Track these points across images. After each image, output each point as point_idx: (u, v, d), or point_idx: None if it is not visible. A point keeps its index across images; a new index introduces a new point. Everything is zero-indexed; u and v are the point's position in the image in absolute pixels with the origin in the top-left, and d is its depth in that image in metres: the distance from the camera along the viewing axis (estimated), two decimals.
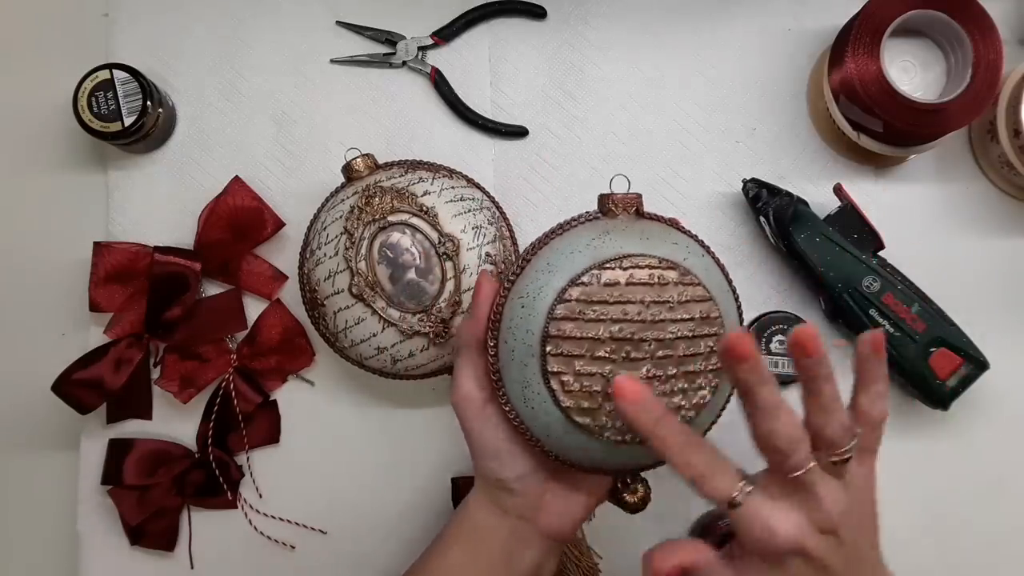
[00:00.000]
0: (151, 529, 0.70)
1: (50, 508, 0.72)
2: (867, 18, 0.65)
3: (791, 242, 0.68)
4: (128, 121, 0.67)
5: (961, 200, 0.74)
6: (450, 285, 0.62)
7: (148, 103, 0.67)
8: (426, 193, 0.63)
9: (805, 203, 0.69)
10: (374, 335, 0.63)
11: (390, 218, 0.62)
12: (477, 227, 0.63)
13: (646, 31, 0.74)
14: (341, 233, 0.62)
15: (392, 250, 0.62)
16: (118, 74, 0.68)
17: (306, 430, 0.72)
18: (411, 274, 0.62)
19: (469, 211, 0.63)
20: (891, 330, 0.67)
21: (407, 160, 0.68)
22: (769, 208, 0.68)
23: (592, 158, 0.73)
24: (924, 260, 0.72)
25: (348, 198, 0.64)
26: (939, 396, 0.67)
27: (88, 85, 0.67)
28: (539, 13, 0.73)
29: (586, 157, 0.73)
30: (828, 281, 0.67)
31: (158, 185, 0.72)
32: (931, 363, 0.67)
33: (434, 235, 0.62)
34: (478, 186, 0.68)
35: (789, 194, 0.69)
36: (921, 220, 0.73)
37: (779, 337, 0.71)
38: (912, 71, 0.70)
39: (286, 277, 0.72)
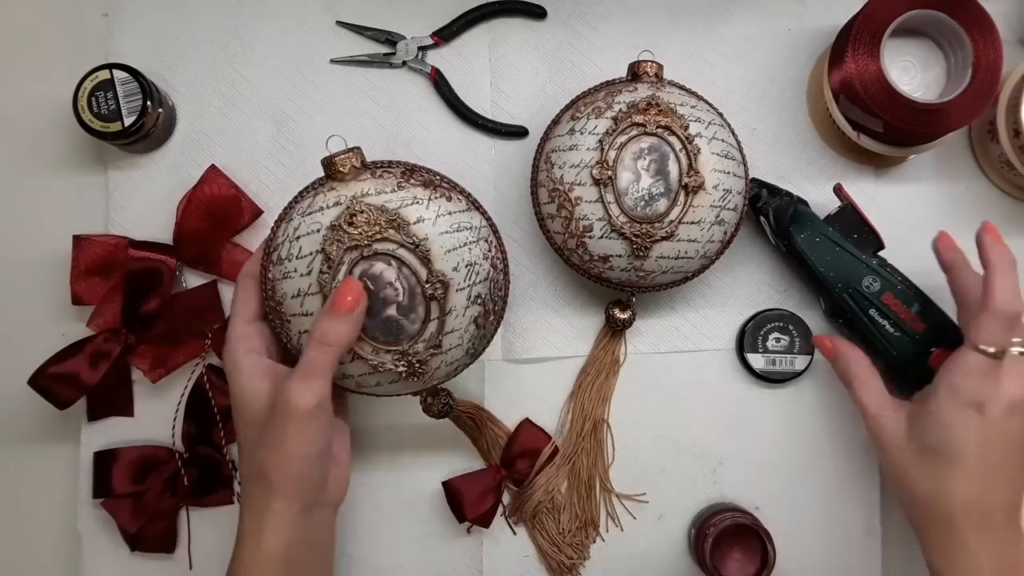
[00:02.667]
0: (149, 534, 0.70)
1: (51, 510, 0.72)
2: (867, 18, 0.65)
3: (791, 242, 0.68)
4: (128, 121, 0.67)
5: (961, 200, 0.74)
6: (432, 327, 0.57)
7: (148, 103, 0.67)
8: (420, 220, 0.56)
9: (805, 203, 0.69)
10: (340, 363, 0.57)
11: (376, 246, 0.55)
12: (471, 264, 0.57)
13: (646, 31, 0.74)
14: (318, 252, 0.56)
15: (374, 282, 0.56)
16: (118, 74, 0.68)
17: None
18: (391, 310, 0.56)
19: (465, 245, 0.57)
20: (891, 330, 0.67)
21: (400, 163, 0.61)
22: (769, 208, 0.68)
23: None
24: (924, 260, 0.71)
25: (329, 208, 0.56)
26: None
27: (88, 85, 0.67)
28: (539, 13, 0.73)
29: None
30: (828, 281, 0.67)
31: (158, 185, 0.72)
32: (931, 363, 0.67)
33: (423, 272, 0.56)
34: (476, 206, 0.61)
35: (789, 194, 0.69)
36: (921, 220, 0.73)
37: (775, 335, 0.71)
38: (912, 71, 0.70)
39: None
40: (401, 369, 0.57)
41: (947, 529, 0.58)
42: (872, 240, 0.68)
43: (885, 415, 0.62)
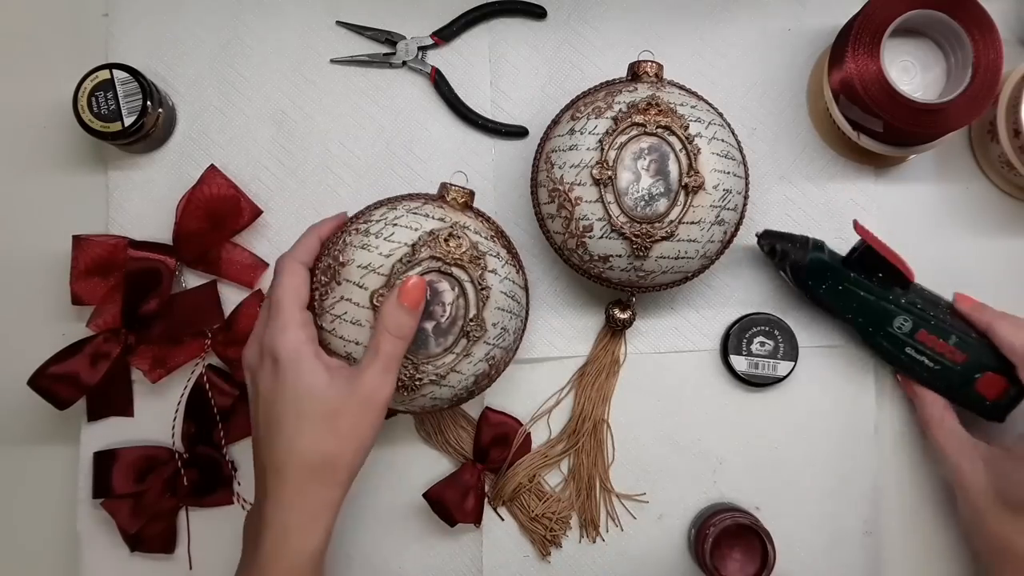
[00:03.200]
0: (149, 534, 0.70)
1: (51, 510, 0.72)
2: (867, 18, 0.65)
3: (813, 295, 0.67)
4: (128, 121, 0.67)
5: (961, 200, 0.74)
6: (449, 359, 0.60)
7: (148, 103, 0.67)
8: (493, 271, 0.61)
9: (820, 246, 0.67)
10: (356, 343, 0.59)
11: (454, 269, 0.59)
12: (504, 329, 0.61)
13: (646, 31, 0.74)
14: (407, 244, 0.59)
15: (431, 293, 0.59)
16: (118, 74, 0.68)
17: None
18: (428, 325, 0.59)
19: (510, 312, 0.62)
20: (930, 364, 0.66)
21: (495, 221, 0.66)
22: (785, 264, 0.67)
23: None
24: (924, 260, 0.71)
25: (434, 218, 0.61)
26: (993, 413, 0.66)
27: (88, 85, 0.67)
28: (539, 13, 0.73)
29: None
30: (858, 327, 0.67)
31: (158, 185, 0.72)
32: (978, 388, 0.66)
33: (473, 311, 0.60)
34: (527, 290, 0.66)
35: (804, 240, 0.67)
36: (921, 220, 0.73)
37: (760, 339, 0.71)
38: (912, 71, 0.70)
39: (266, 265, 0.72)
40: (402, 378, 0.59)
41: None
42: (898, 275, 0.65)
43: (964, 459, 0.64)
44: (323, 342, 0.61)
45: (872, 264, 0.65)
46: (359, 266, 0.59)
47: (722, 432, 0.73)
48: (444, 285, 0.59)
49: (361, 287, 0.59)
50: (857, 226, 0.65)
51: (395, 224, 0.60)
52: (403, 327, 0.56)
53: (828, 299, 0.66)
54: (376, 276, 0.59)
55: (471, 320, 0.60)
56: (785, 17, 0.74)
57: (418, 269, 0.59)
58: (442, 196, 0.64)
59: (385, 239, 0.60)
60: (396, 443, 0.72)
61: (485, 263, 0.60)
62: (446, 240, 0.59)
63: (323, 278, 0.61)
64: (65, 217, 0.72)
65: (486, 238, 0.62)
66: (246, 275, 0.71)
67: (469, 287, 0.60)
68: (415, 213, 0.61)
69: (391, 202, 0.64)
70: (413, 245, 0.59)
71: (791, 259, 0.67)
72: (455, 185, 0.64)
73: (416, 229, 0.60)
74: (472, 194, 0.64)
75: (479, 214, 0.65)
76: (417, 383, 0.60)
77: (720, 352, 0.72)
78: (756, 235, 0.70)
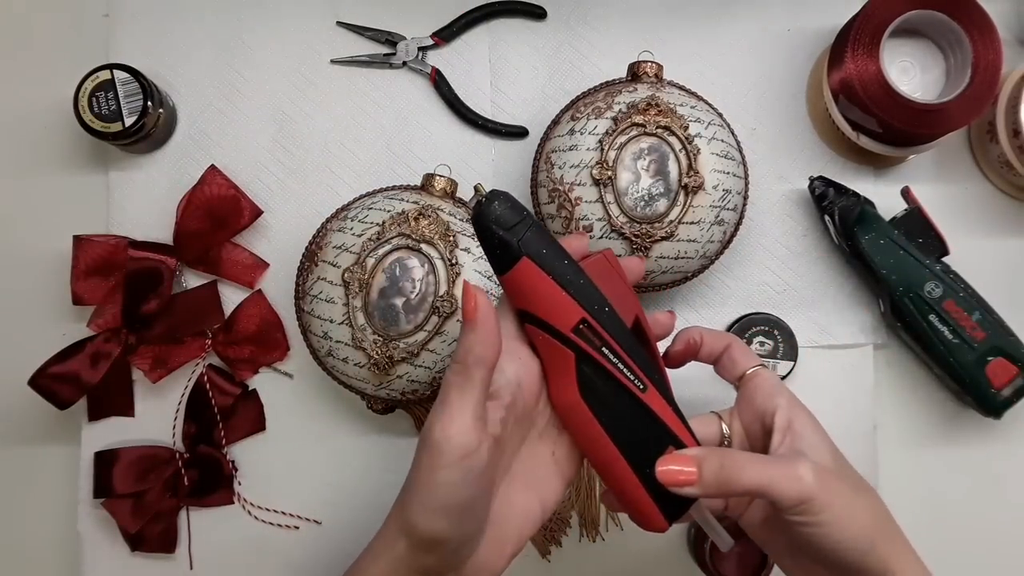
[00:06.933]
0: (149, 534, 0.70)
1: (51, 510, 0.72)
2: (867, 18, 0.65)
3: (855, 242, 0.68)
4: (129, 121, 0.67)
5: (961, 200, 0.74)
6: (420, 336, 0.61)
7: (149, 103, 0.67)
8: (466, 249, 0.61)
9: (871, 204, 0.69)
10: (331, 320, 0.61)
11: (423, 245, 0.61)
12: None
13: (646, 31, 0.74)
14: (377, 225, 0.61)
15: (401, 269, 0.61)
16: (119, 74, 0.68)
17: (288, 421, 0.72)
18: (398, 301, 0.60)
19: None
20: (950, 336, 0.67)
21: None
22: (835, 207, 0.68)
23: None
24: None
25: (407, 202, 0.63)
26: (993, 404, 0.67)
27: (89, 85, 0.67)
28: (539, 13, 0.73)
29: None
30: (890, 284, 0.67)
31: (158, 185, 0.72)
32: (988, 371, 0.66)
33: (444, 288, 0.60)
34: None
35: (856, 194, 0.69)
36: None
37: (760, 339, 0.71)
38: (911, 71, 0.70)
39: (267, 264, 0.72)
40: (374, 355, 0.60)
41: None
42: (937, 245, 0.68)
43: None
44: (305, 324, 0.64)
45: (916, 228, 0.68)
46: (334, 247, 0.62)
47: None
48: (413, 261, 0.61)
49: (335, 266, 0.61)
50: (908, 192, 0.69)
51: (371, 208, 0.63)
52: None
53: (869, 249, 0.67)
54: (348, 255, 0.61)
55: (441, 297, 0.60)
56: (785, 17, 0.74)
57: (387, 247, 0.60)
58: (424, 186, 0.65)
59: (359, 221, 0.62)
60: (395, 442, 0.72)
61: (456, 241, 0.61)
62: (415, 219, 0.61)
63: (305, 263, 0.64)
64: (65, 217, 0.72)
65: (461, 220, 0.63)
66: (246, 275, 0.71)
67: (439, 263, 0.60)
68: (389, 197, 0.64)
69: (371, 192, 0.66)
70: (383, 223, 0.61)
71: (842, 205, 0.68)
72: (438, 175, 0.65)
73: (388, 211, 0.62)
74: (454, 183, 0.65)
75: (461, 203, 0.66)
76: (388, 362, 0.60)
77: None
78: (810, 178, 0.70)
